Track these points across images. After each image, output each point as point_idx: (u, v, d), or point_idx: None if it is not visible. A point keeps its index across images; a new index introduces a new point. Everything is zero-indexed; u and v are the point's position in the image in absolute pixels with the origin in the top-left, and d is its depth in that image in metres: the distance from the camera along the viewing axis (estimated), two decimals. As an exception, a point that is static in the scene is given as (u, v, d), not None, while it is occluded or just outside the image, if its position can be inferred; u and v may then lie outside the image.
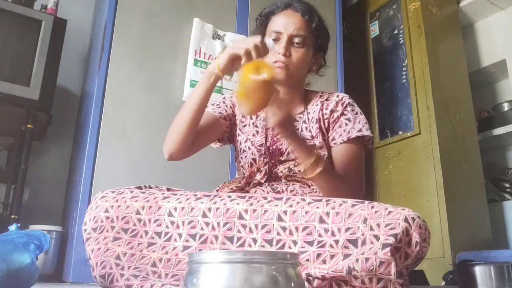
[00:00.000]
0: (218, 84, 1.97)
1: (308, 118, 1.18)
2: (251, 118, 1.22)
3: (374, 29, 2.73)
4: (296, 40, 1.14)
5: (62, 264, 1.78)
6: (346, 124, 1.15)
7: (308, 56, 1.17)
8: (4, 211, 1.79)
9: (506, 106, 2.63)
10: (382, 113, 2.58)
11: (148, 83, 1.88)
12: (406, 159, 2.37)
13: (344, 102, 1.18)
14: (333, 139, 1.15)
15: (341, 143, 1.14)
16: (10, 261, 0.85)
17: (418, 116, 2.32)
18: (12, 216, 1.73)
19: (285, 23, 1.15)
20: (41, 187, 2.19)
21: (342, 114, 1.16)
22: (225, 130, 1.23)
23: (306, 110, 1.20)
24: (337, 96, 1.20)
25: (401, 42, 2.52)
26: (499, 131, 2.56)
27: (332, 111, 1.17)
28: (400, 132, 2.42)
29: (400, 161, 2.40)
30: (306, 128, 1.17)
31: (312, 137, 1.15)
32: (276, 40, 1.15)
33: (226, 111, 1.23)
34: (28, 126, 1.84)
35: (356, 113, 1.18)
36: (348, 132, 1.14)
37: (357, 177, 1.14)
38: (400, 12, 2.57)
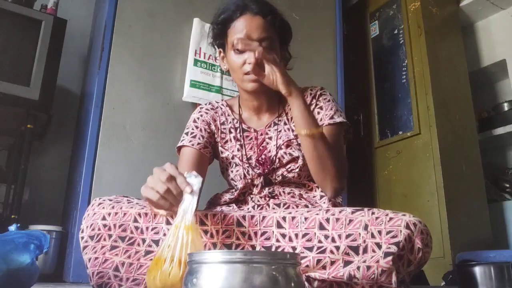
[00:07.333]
0: (218, 84, 1.98)
1: (288, 119, 1.17)
2: (230, 132, 1.18)
3: (374, 29, 2.73)
4: (264, 44, 1.06)
5: (62, 264, 1.78)
6: (318, 113, 1.14)
7: (279, 56, 1.11)
8: (4, 211, 1.79)
9: (506, 106, 2.63)
10: (382, 113, 2.57)
11: (148, 83, 1.88)
12: (406, 159, 2.36)
13: (316, 94, 1.17)
14: None
15: None
16: (10, 261, 0.84)
17: (418, 116, 2.32)
18: (12, 216, 1.73)
19: (248, 30, 1.06)
20: (41, 187, 2.19)
21: (316, 105, 1.16)
22: (210, 156, 1.17)
23: (284, 111, 1.18)
24: (311, 90, 1.19)
25: (401, 42, 2.52)
26: (499, 131, 2.56)
27: (309, 106, 1.16)
28: (400, 132, 2.42)
29: (400, 161, 2.40)
30: (289, 129, 1.15)
31: (296, 136, 1.13)
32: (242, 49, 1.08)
33: (203, 137, 1.15)
34: (28, 126, 1.84)
35: (329, 101, 1.16)
36: (321, 120, 1.12)
37: (340, 155, 1.09)
38: (400, 12, 2.56)
